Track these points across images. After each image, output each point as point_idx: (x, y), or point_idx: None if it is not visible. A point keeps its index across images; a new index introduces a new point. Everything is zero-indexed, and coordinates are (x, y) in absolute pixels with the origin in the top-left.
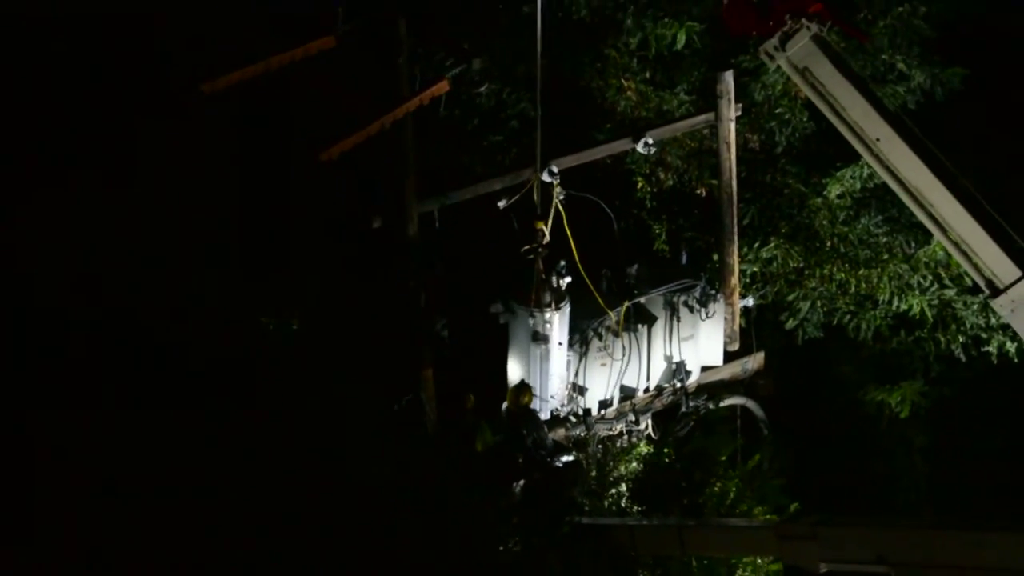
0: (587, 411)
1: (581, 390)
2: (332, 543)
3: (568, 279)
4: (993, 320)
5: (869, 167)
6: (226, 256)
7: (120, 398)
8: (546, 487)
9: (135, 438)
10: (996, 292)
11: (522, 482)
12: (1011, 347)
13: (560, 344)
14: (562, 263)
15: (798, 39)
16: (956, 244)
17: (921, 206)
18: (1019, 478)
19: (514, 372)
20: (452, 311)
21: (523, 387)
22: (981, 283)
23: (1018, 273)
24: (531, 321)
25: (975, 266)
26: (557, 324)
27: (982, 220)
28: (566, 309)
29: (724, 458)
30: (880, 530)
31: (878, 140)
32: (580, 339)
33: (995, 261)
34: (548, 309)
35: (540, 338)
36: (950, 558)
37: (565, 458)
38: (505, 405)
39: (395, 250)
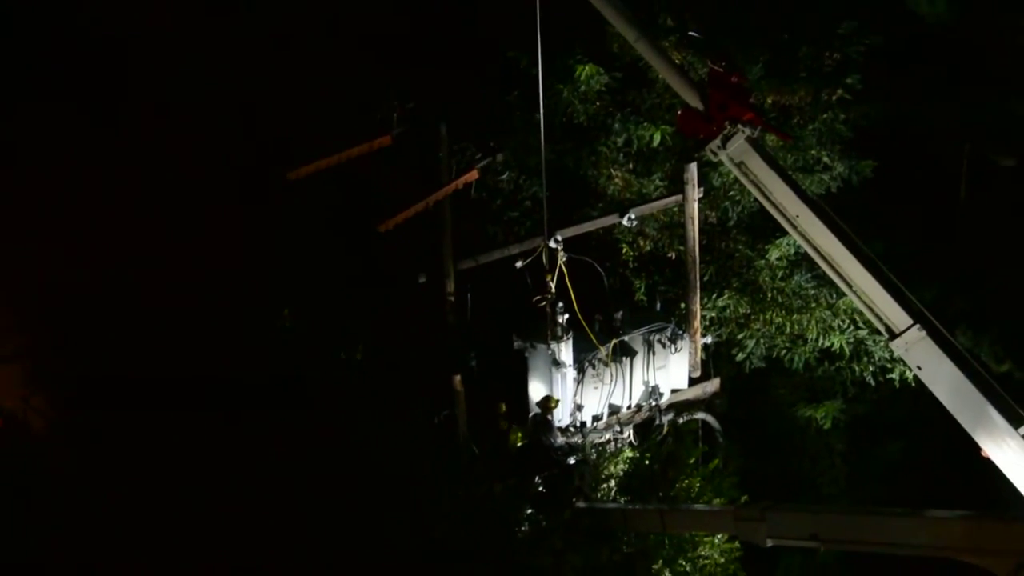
0: (583, 423)
1: (579, 407)
2: (385, 521)
3: (567, 315)
4: (895, 355)
5: None
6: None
7: (237, 408)
8: (560, 480)
9: (242, 441)
10: (893, 336)
11: (542, 475)
12: (908, 375)
13: (569, 367)
14: (560, 305)
15: (735, 140)
16: (860, 298)
17: (833, 268)
18: (913, 475)
19: (535, 390)
20: (479, 346)
21: (549, 399)
22: (882, 329)
23: (909, 322)
24: (550, 352)
25: (876, 316)
26: (566, 352)
27: (881, 280)
28: (570, 341)
29: (691, 460)
30: (812, 515)
31: (797, 217)
32: (578, 368)
33: (892, 312)
34: (561, 341)
35: (559, 363)
36: (863, 536)
37: (573, 458)
38: (533, 414)
39: (436, 299)
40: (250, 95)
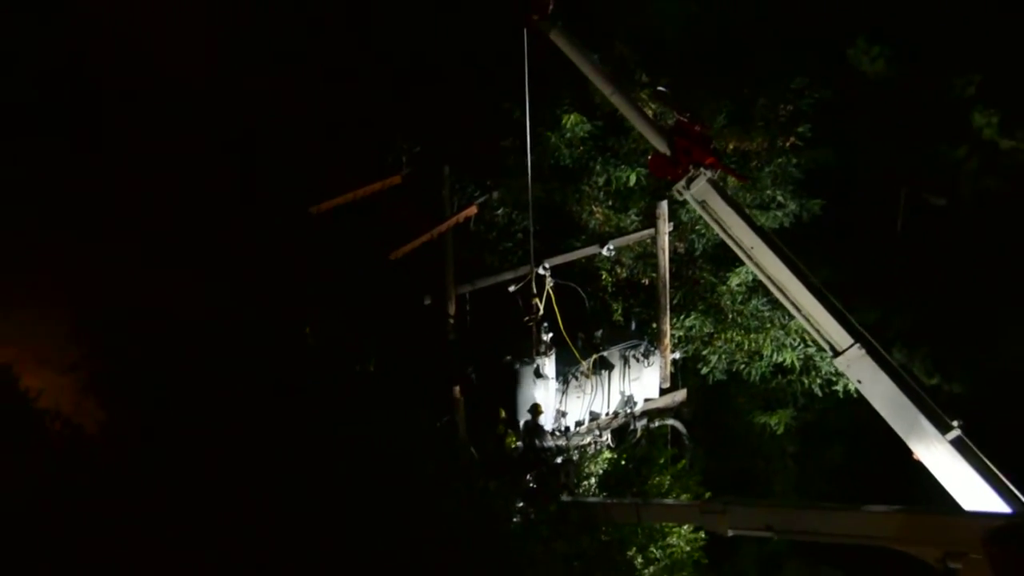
0: (567, 428)
1: (563, 414)
2: (394, 512)
3: (551, 334)
4: (838, 370)
5: None
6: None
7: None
8: (547, 478)
9: (273, 439)
10: (836, 354)
11: (532, 473)
12: (851, 387)
13: (548, 377)
14: (545, 325)
15: (698, 182)
16: (808, 320)
17: (783, 294)
18: (854, 474)
19: (523, 399)
20: (477, 360)
21: (537, 407)
22: (827, 347)
23: (850, 341)
24: (535, 366)
25: (822, 336)
26: (549, 366)
27: (826, 304)
28: (553, 356)
29: (661, 461)
30: (767, 508)
31: (752, 248)
32: (562, 379)
33: (835, 333)
34: (545, 357)
35: (543, 376)
36: (810, 527)
37: (559, 458)
38: (526, 420)
39: (440, 318)
40: (277, 137)
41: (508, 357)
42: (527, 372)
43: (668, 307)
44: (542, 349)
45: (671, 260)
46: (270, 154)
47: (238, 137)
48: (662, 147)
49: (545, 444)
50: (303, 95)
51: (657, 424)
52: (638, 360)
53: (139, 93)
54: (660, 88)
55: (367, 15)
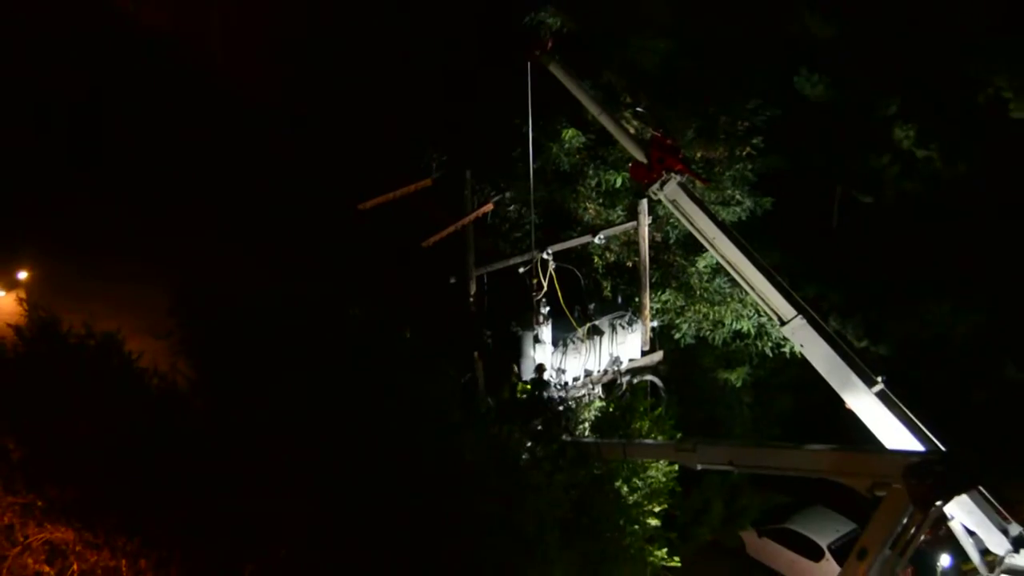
0: (566, 383)
1: (562, 372)
2: (426, 451)
3: (548, 308)
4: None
5: None
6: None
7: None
8: (550, 422)
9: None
10: (783, 323)
11: (539, 418)
12: (795, 350)
13: (545, 342)
14: (544, 300)
15: (670, 184)
16: (759, 296)
17: (739, 274)
18: (798, 420)
19: (526, 360)
20: (492, 328)
21: (542, 366)
22: (775, 318)
23: (793, 313)
24: (535, 333)
25: (771, 308)
26: (546, 334)
27: (773, 283)
28: (549, 326)
29: (642, 409)
30: (729, 447)
31: (714, 238)
32: (562, 344)
33: (781, 306)
34: (542, 326)
35: (540, 341)
36: (763, 462)
37: (561, 407)
38: (534, 376)
39: (462, 295)
40: (330, 149)
41: (514, 326)
42: (528, 338)
43: (648, 285)
44: (540, 320)
45: (650, 247)
46: (328, 162)
47: (302, 150)
48: (640, 157)
49: (550, 395)
50: (353, 116)
51: (638, 379)
52: (623, 327)
53: (226, 109)
54: (639, 109)
55: (402, 52)
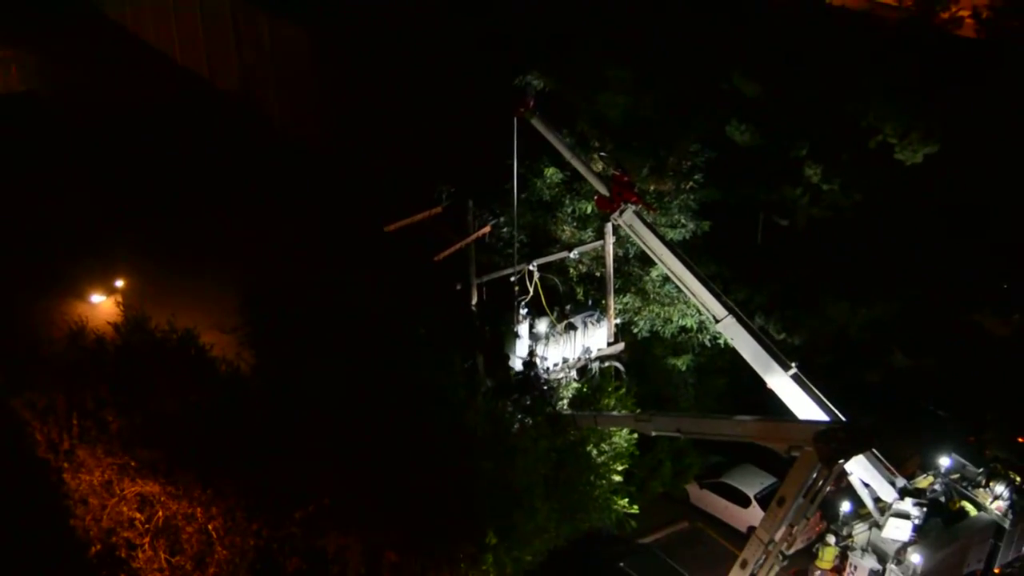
0: (548, 368)
1: (543, 359)
2: (435, 421)
3: (525, 310)
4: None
5: None
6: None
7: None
8: (537, 398)
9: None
10: (717, 321)
11: (528, 395)
12: (729, 342)
13: (522, 336)
14: (523, 301)
15: (627, 213)
16: (698, 299)
17: (682, 282)
18: (731, 397)
19: (509, 349)
20: (489, 325)
21: (532, 352)
22: (710, 317)
23: (724, 313)
24: (515, 329)
25: (707, 309)
26: (523, 329)
27: (709, 289)
28: (526, 323)
29: (608, 389)
30: (676, 417)
31: (662, 255)
32: (545, 336)
33: (714, 308)
34: (520, 324)
35: (519, 336)
36: (703, 430)
37: (549, 384)
38: (524, 360)
39: (466, 298)
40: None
41: (502, 324)
42: (510, 333)
43: (612, 290)
44: (519, 319)
45: (614, 260)
46: (361, 193)
47: (340, 183)
48: (604, 191)
49: (539, 375)
50: (381, 158)
51: (605, 365)
52: (593, 324)
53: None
54: (602, 153)
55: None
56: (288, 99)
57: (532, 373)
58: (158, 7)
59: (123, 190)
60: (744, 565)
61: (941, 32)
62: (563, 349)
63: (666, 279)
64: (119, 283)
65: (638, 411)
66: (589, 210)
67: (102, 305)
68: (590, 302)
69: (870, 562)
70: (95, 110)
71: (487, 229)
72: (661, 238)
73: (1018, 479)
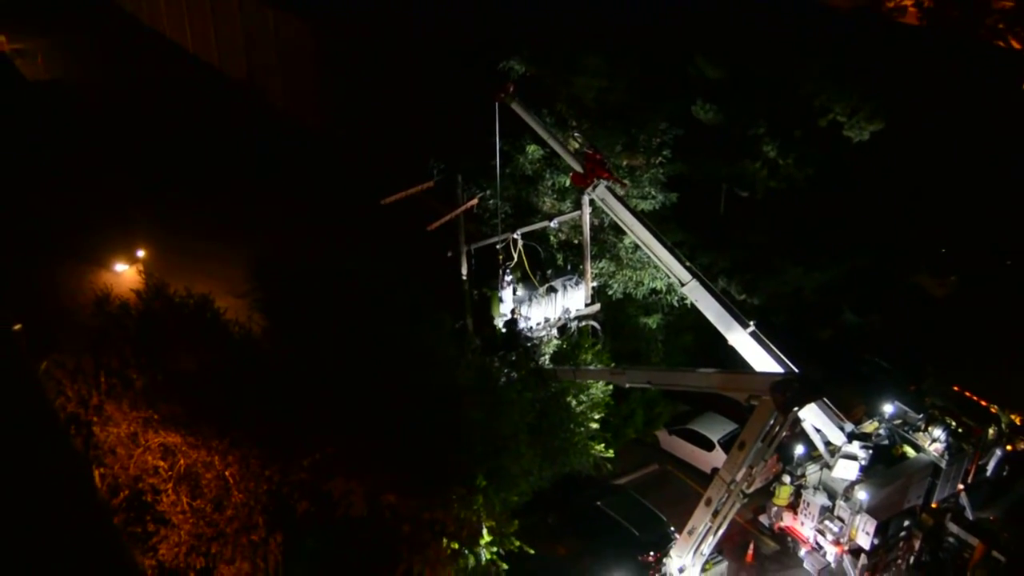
0: (531, 327)
1: (527, 318)
2: (431, 375)
3: (510, 276)
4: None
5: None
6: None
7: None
8: (522, 354)
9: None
10: (682, 284)
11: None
12: (693, 302)
13: (505, 300)
14: (508, 267)
15: (599, 188)
16: (665, 265)
17: (650, 249)
18: (699, 353)
19: (495, 311)
20: (478, 289)
21: (515, 312)
22: (676, 280)
23: (689, 277)
24: (499, 292)
25: (673, 273)
26: (507, 293)
27: (675, 256)
28: (510, 288)
29: (586, 345)
30: (648, 370)
31: (632, 225)
32: (528, 298)
33: (679, 272)
34: (504, 288)
35: (502, 300)
36: (672, 381)
37: (532, 342)
38: (508, 319)
39: (456, 264)
40: (361, 160)
41: (486, 288)
42: (495, 296)
43: (589, 256)
44: (503, 284)
45: (590, 229)
46: (360, 169)
47: (341, 161)
48: (578, 167)
49: (523, 332)
50: (377, 138)
51: (583, 324)
52: (572, 287)
53: (286, 135)
54: (578, 133)
55: (413, 91)
56: (292, 87)
57: (516, 330)
58: (171, 2)
59: (143, 169)
60: (709, 503)
61: (887, 19)
62: (545, 309)
63: (637, 247)
64: (140, 253)
65: (613, 365)
66: (568, 183)
67: (125, 274)
68: (569, 267)
69: (821, 499)
70: (115, 96)
71: (475, 201)
72: (631, 210)
73: (953, 424)
